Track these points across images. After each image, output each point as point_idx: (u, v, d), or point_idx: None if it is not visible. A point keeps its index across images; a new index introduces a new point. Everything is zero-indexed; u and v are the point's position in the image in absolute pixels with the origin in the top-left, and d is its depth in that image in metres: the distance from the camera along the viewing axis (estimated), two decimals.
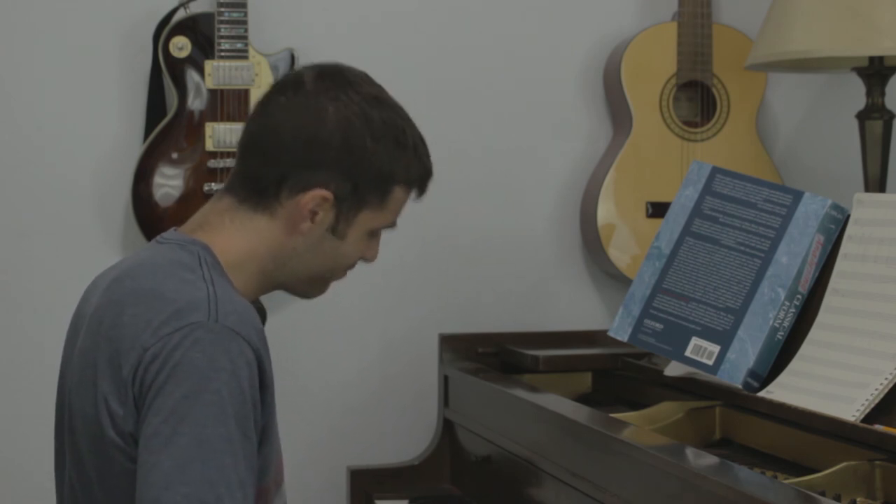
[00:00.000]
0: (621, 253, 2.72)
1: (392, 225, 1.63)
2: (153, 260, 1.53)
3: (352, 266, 1.64)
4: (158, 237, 1.59)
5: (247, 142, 1.58)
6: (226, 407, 1.38)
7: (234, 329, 1.42)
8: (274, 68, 2.59)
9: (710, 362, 1.91)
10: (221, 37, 2.56)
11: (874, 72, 2.48)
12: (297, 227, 1.55)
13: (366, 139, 1.54)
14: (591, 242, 2.78)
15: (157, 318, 1.42)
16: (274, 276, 1.59)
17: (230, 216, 1.56)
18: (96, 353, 1.46)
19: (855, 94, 2.57)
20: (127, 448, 1.42)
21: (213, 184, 2.56)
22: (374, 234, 1.62)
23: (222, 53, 2.56)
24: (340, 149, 1.53)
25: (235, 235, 1.55)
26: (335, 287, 2.71)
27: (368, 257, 1.64)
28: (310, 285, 1.64)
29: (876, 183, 2.51)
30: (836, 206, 1.92)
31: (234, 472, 1.38)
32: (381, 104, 1.57)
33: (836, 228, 1.92)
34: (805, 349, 1.84)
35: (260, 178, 1.55)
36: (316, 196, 1.53)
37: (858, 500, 1.50)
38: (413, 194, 1.63)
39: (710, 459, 1.57)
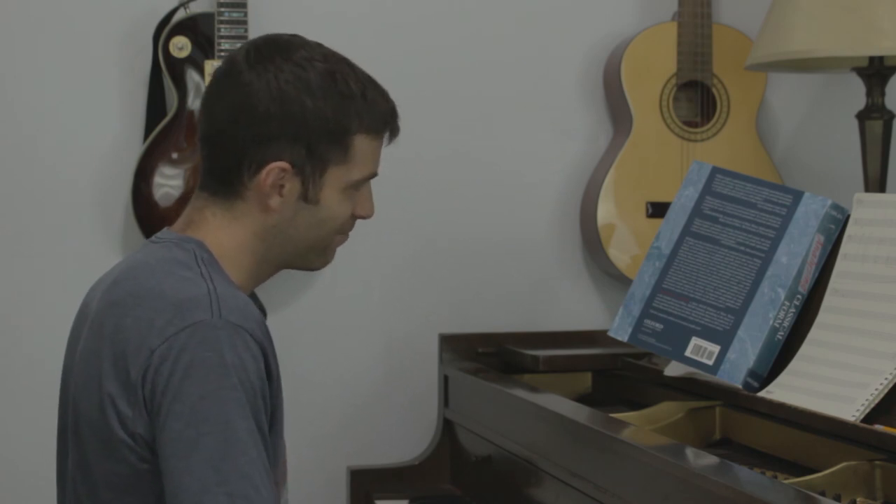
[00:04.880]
0: (621, 253, 2.72)
1: (371, 175, 1.60)
2: (150, 260, 1.54)
3: (347, 226, 1.62)
4: (153, 237, 1.60)
5: (202, 136, 1.58)
6: (243, 401, 1.40)
7: (238, 324, 1.43)
8: None
9: (710, 362, 1.91)
10: (221, 37, 2.56)
11: (874, 72, 2.48)
12: (269, 205, 1.54)
13: (303, 100, 1.52)
14: (591, 242, 2.78)
15: (160, 318, 1.43)
16: (269, 258, 1.58)
17: (210, 211, 1.57)
18: (100, 356, 1.46)
19: (855, 94, 2.57)
20: (138, 448, 1.43)
21: None
22: (356, 189, 1.59)
23: (222, 53, 2.56)
24: (281, 117, 1.51)
25: (220, 228, 1.56)
26: (335, 287, 2.73)
27: (361, 213, 1.62)
28: (309, 257, 1.62)
29: (876, 183, 2.51)
30: (836, 206, 1.92)
31: (262, 463, 1.40)
32: (314, 63, 1.54)
33: (836, 228, 1.92)
34: (805, 349, 1.84)
35: (220, 167, 1.55)
36: (273, 169, 1.52)
37: (858, 500, 1.50)
38: (385, 139, 1.60)
39: (710, 459, 1.57)
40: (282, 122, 1.52)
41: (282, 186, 1.54)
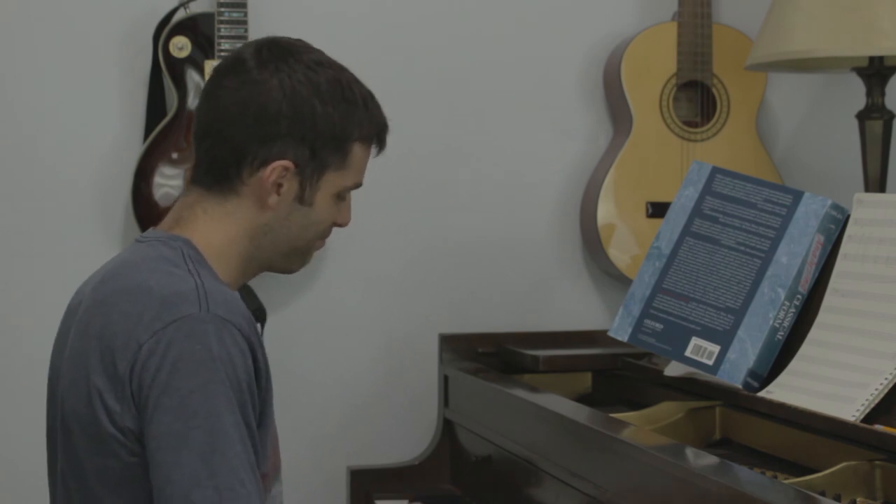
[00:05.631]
0: (621, 253, 2.72)
1: (357, 185, 1.63)
2: (136, 258, 1.54)
3: (327, 232, 1.65)
4: (138, 237, 1.60)
5: (200, 131, 1.58)
6: (230, 395, 1.41)
7: (226, 318, 1.44)
8: None
9: (710, 362, 1.91)
10: (221, 37, 2.56)
11: (874, 72, 2.48)
12: (266, 203, 1.56)
13: (314, 103, 1.54)
14: (591, 242, 2.78)
15: (147, 313, 1.43)
16: (254, 256, 1.59)
17: (202, 207, 1.57)
18: (87, 354, 1.47)
19: (855, 94, 2.57)
20: (127, 442, 1.43)
21: None
22: (342, 198, 1.63)
23: (222, 53, 2.55)
24: (291, 117, 1.53)
25: (210, 225, 1.56)
26: (335, 287, 2.73)
27: (341, 222, 1.65)
28: (290, 259, 1.64)
29: (876, 183, 2.51)
30: (836, 206, 1.92)
31: (247, 457, 1.41)
32: (323, 67, 1.57)
33: (836, 228, 1.92)
34: (805, 349, 1.84)
35: (220, 162, 1.56)
36: (277, 168, 1.54)
37: (858, 500, 1.50)
38: (373, 150, 1.64)
39: (710, 459, 1.57)
40: (291, 122, 1.53)
41: (280, 185, 1.55)
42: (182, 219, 1.58)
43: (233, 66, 1.57)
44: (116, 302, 1.48)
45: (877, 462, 1.58)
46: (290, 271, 1.67)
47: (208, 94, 1.58)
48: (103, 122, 2.65)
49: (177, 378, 1.39)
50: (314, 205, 1.59)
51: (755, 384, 1.88)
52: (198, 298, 1.44)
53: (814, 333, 1.84)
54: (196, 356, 1.40)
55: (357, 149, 1.59)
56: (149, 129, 2.60)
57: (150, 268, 1.50)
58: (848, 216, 1.90)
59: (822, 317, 1.85)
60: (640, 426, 1.86)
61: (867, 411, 1.68)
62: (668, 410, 1.96)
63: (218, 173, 1.56)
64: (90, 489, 1.48)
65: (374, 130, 1.61)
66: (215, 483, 1.37)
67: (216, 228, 1.56)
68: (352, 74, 1.60)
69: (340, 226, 1.66)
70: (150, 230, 1.60)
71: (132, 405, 1.42)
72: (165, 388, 1.39)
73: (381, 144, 1.64)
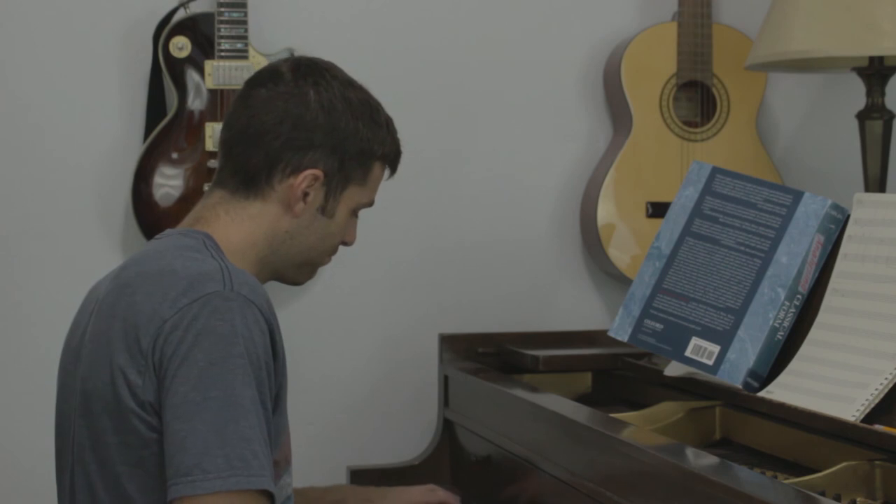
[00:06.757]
0: (621, 253, 2.72)
1: (371, 203, 1.71)
2: (157, 248, 1.58)
3: (335, 249, 1.71)
4: (157, 236, 1.64)
5: (233, 136, 1.64)
6: (249, 371, 1.44)
7: (249, 298, 1.47)
8: None
9: (710, 362, 1.91)
10: (221, 37, 2.56)
11: (874, 72, 2.49)
12: (292, 209, 1.62)
13: (348, 118, 1.63)
14: (591, 242, 2.78)
15: (172, 291, 1.47)
16: (270, 262, 1.65)
17: (224, 208, 1.62)
18: (110, 334, 1.50)
19: (855, 94, 2.57)
20: (147, 417, 1.46)
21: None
22: (355, 214, 1.70)
23: (222, 53, 2.56)
24: (326, 129, 1.61)
25: (232, 225, 1.61)
26: (335, 287, 2.73)
27: (349, 240, 1.72)
28: (301, 271, 1.70)
29: (876, 183, 2.51)
30: (836, 206, 1.92)
31: (261, 431, 1.44)
32: (355, 87, 1.67)
33: (836, 228, 1.92)
34: (805, 349, 1.84)
35: (251, 166, 1.61)
36: (308, 176, 1.61)
37: (858, 500, 1.50)
38: (387, 172, 1.72)
39: (710, 459, 1.57)
40: (326, 133, 1.61)
41: (307, 194, 1.62)
42: (202, 218, 1.62)
43: (270, 77, 1.64)
44: (141, 284, 1.51)
45: (877, 462, 1.58)
46: (298, 283, 1.72)
47: (243, 102, 1.64)
48: (103, 122, 2.65)
49: (197, 350, 1.42)
50: (335, 217, 1.65)
51: (755, 384, 1.87)
52: (223, 278, 1.47)
53: (814, 333, 1.84)
54: (218, 331, 1.43)
55: (377, 167, 1.68)
56: (149, 129, 2.60)
57: (173, 254, 1.54)
58: (848, 216, 1.90)
59: (822, 317, 1.85)
60: (640, 426, 1.86)
61: (867, 411, 1.68)
62: (668, 410, 1.96)
63: (247, 177, 1.61)
64: (110, 469, 1.50)
65: (393, 151, 1.70)
66: (226, 453, 1.39)
67: (237, 229, 1.61)
68: (376, 98, 1.69)
69: (347, 244, 1.72)
70: (167, 231, 1.64)
71: (153, 378, 1.45)
72: (185, 359, 1.42)
73: (394, 168, 1.73)
